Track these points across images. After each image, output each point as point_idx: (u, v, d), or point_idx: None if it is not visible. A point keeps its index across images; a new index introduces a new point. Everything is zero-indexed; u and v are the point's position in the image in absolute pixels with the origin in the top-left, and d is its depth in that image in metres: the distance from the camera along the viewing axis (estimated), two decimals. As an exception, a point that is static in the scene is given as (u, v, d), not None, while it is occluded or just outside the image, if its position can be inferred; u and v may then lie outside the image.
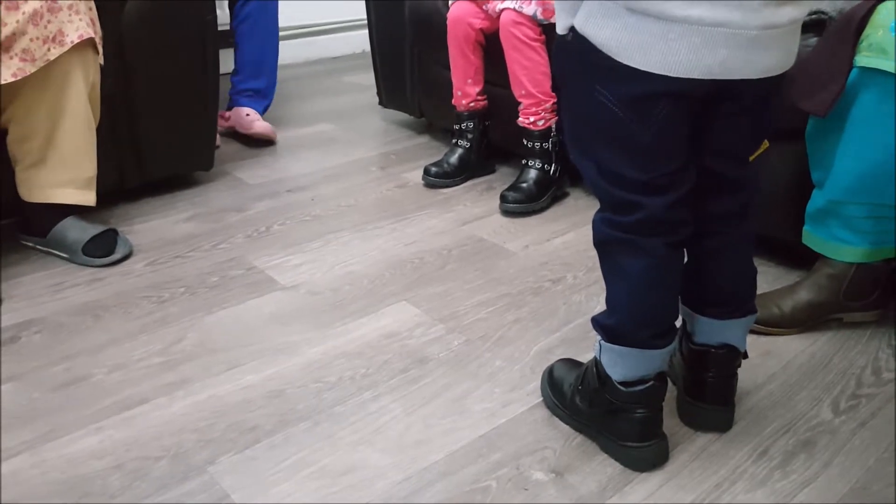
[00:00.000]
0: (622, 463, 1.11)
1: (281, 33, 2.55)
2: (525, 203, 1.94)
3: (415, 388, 1.28)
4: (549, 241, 1.81)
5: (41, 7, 1.48)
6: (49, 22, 1.50)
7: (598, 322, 1.09)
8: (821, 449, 1.15)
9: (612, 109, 0.93)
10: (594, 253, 1.08)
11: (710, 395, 1.17)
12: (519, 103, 1.95)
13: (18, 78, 1.46)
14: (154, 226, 1.87)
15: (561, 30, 0.97)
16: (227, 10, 2.49)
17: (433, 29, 2.17)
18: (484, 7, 1.99)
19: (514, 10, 1.88)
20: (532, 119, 1.94)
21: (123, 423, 1.20)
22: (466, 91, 2.08)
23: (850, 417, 1.21)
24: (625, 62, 0.88)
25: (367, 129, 2.62)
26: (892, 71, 1.19)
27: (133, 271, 1.66)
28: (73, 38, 1.53)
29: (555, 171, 1.98)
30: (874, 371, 1.32)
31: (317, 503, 1.05)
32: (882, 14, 1.24)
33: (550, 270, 1.67)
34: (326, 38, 3.60)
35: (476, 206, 2.00)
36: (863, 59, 1.24)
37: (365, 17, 2.54)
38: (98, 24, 1.61)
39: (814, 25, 1.41)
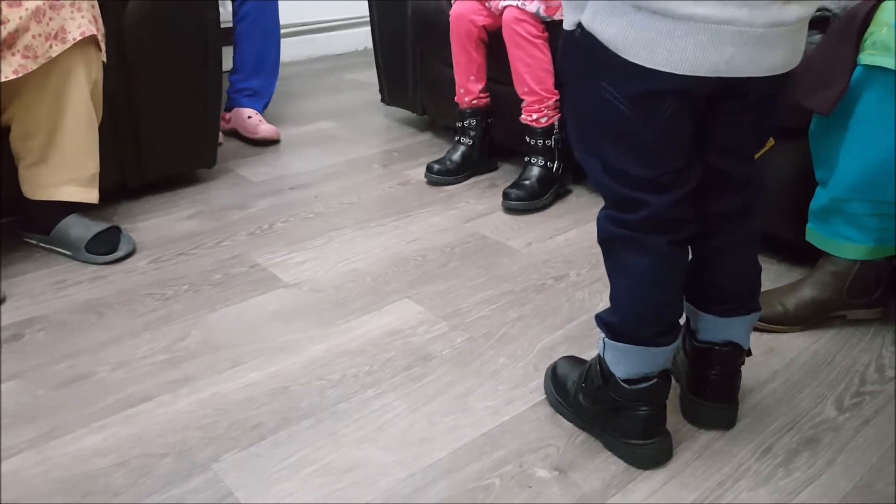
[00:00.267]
0: (625, 460, 1.11)
1: (282, 31, 2.54)
2: (528, 200, 1.94)
3: (418, 385, 1.28)
4: (551, 238, 1.81)
5: (43, 4, 1.48)
6: (51, 19, 1.49)
7: (601, 319, 1.09)
8: (824, 446, 1.15)
9: (618, 107, 0.92)
10: (597, 250, 1.08)
11: (713, 392, 1.17)
12: (522, 100, 1.95)
13: (20, 75, 1.46)
14: (157, 223, 1.87)
15: (568, 25, 0.96)
16: (230, 8, 2.48)
17: (436, 26, 2.17)
18: (487, 4, 1.99)
19: (517, 6, 1.88)
20: (535, 116, 1.94)
21: (127, 420, 1.20)
22: (469, 88, 2.08)
23: (854, 415, 1.21)
24: (631, 59, 0.88)
25: (370, 127, 2.62)
26: (896, 68, 1.19)
27: (136, 269, 1.66)
28: (75, 35, 1.53)
29: (557, 169, 1.98)
30: (878, 368, 1.32)
31: (320, 501, 1.05)
32: (885, 12, 1.23)
33: (553, 268, 1.67)
34: (328, 35, 3.60)
35: (479, 203, 2.00)
36: (866, 56, 1.24)
37: (366, 14, 2.54)
38: (100, 21, 1.61)
39: (817, 22, 1.41)
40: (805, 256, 1.52)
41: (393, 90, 2.55)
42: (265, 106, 2.52)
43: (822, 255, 1.43)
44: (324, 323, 1.46)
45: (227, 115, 2.46)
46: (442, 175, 2.10)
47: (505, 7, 1.91)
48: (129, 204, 1.95)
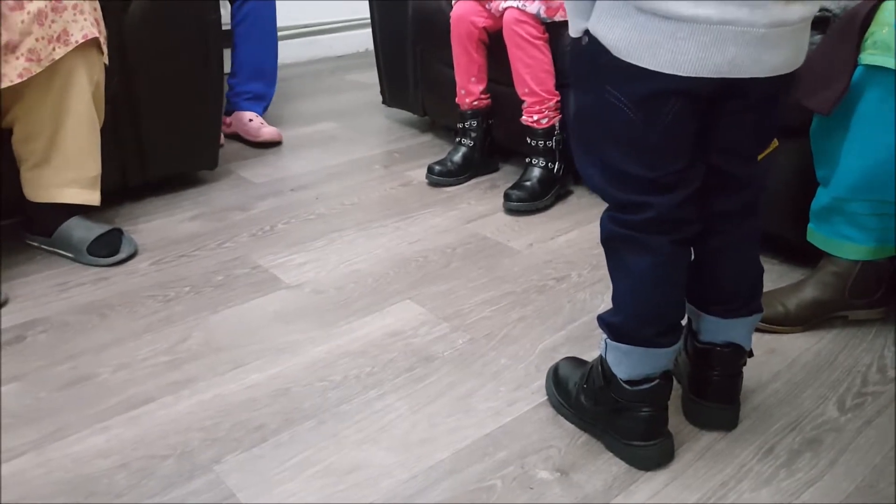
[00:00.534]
0: (627, 462, 1.11)
1: (283, 32, 2.55)
2: (529, 201, 1.94)
3: (420, 386, 1.28)
4: (553, 239, 1.81)
5: (46, 7, 1.48)
6: (53, 21, 1.50)
7: (603, 320, 1.09)
8: (826, 447, 1.14)
9: (623, 110, 0.93)
10: (599, 251, 1.08)
11: (715, 393, 1.16)
12: (522, 101, 1.95)
13: (25, 78, 1.46)
14: (158, 225, 1.87)
15: (574, 33, 0.97)
16: (228, 10, 2.48)
17: (436, 27, 2.17)
18: (487, 5, 1.99)
19: (518, 8, 1.88)
20: (536, 117, 1.94)
21: (129, 422, 1.20)
22: (470, 89, 2.08)
23: (856, 415, 1.21)
24: (634, 62, 0.88)
25: (371, 128, 2.62)
26: (897, 68, 1.19)
27: (138, 270, 1.66)
28: (77, 37, 1.53)
29: (558, 170, 1.98)
30: (879, 369, 1.32)
31: (322, 502, 1.05)
32: (886, 11, 1.23)
33: (555, 269, 1.67)
34: (329, 37, 3.60)
35: (480, 204, 2.00)
36: (867, 56, 1.24)
37: (367, 15, 2.54)
38: (102, 23, 1.62)
39: (818, 23, 1.41)
40: (806, 257, 1.52)
41: (394, 91, 2.55)
42: (265, 108, 2.52)
43: (823, 256, 1.43)
44: (325, 324, 1.46)
45: (228, 119, 2.45)
46: (443, 176, 2.10)
47: (505, 8, 1.91)
48: (131, 205, 1.95)
